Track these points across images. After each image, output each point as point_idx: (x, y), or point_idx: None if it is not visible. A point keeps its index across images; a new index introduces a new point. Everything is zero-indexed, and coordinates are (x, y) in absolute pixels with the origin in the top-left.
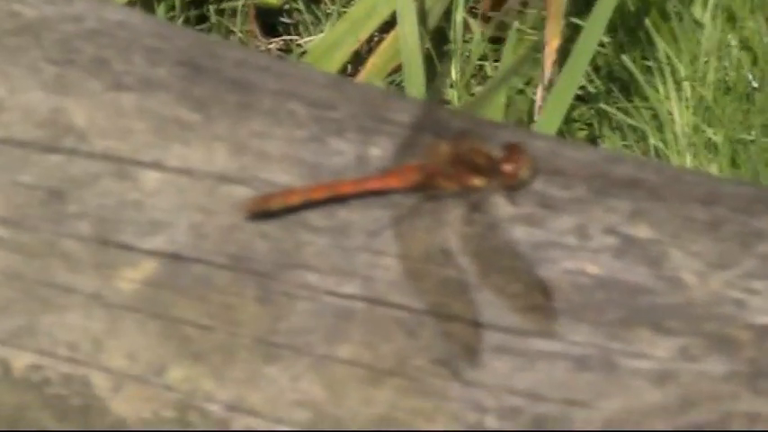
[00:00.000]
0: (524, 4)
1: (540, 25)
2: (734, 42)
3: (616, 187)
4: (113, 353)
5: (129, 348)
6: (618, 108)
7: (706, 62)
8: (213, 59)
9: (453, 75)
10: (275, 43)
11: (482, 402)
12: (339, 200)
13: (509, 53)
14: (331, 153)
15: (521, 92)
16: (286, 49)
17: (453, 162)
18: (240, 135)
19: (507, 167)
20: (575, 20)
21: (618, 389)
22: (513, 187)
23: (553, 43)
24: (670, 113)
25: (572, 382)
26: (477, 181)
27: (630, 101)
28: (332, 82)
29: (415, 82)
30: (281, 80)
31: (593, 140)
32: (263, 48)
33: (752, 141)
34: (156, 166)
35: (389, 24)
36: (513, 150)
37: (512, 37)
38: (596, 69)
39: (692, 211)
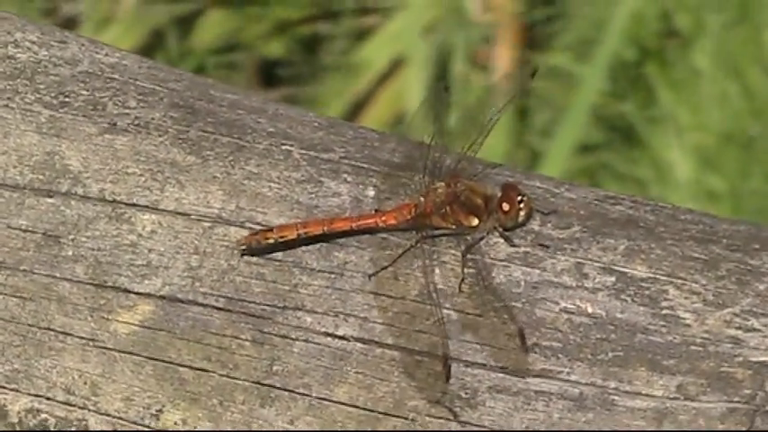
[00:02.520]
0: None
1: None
2: (735, 91)
3: (612, 226)
4: (110, 396)
5: (126, 391)
6: (619, 158)
7: (707, 111)
8: (208, 101)
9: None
10: (274, 94)
11: None
12: (334, 236)
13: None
14: (327, 194)
15: (521, 142)
16: (285, 101)
17: (449, 201)
18: (235, 177)
19: (504, 207)
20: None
21: (615, 428)
22: (509, 227)
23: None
24: (671, 163)
25: (570, 421)
26: (474, 221)
27: (632, 150)
28: (327, 124)
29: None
30: (277, 122)
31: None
32: None
33: (753, 191)
34: (152, 208)
35: (386, 75)
36: (509, 190)
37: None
38: (597, 119)
39: (689, 250)
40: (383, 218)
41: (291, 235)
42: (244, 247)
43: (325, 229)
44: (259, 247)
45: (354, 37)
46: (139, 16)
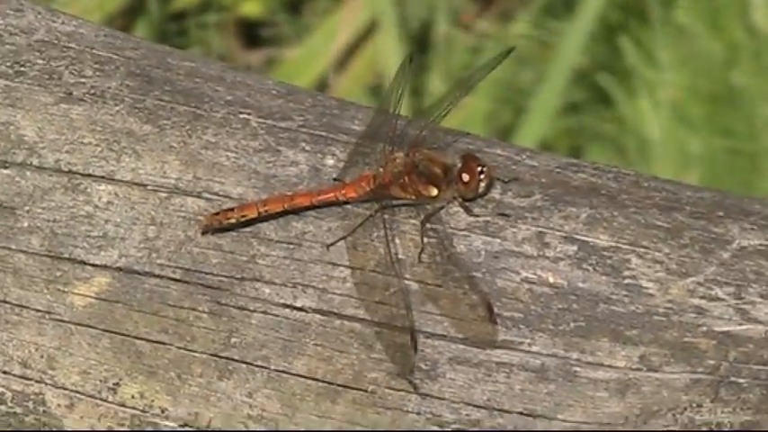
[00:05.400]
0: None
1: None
2: (717, 47)
3: (574, 194)
4: (66, 369)
5: (83, 365)
6: (598, 118)
7: (684, 66)
8: (165, 70)
9: (436, 85)
10: (256, 56)
11: (441, 415)
12: (294, 212)
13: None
14: (285, 164)
15: (505, 102)
16: (268, 62)
17: (408, 171)
18: (192, 147)
19: (464, 177)
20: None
21: (578, 400)
22: (469, 198)
23: None
24: (648, 123)
25: (531, 393)
26: (433, 191)
27: (609, 111)
28: (286, 91)
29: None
30: (234, 90)
31: (575, 150)
32: (243, 61)
33: (732, 149)
34: (108, 179)
35: (368, 33)
36: (470, 160)
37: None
38: (575, 78)
39: (652, 218)
40: (343, 191)
41: (252, 214)
42: (202, 229)
43: (286, 206)
44: (220, 226)
45: None
46: None
